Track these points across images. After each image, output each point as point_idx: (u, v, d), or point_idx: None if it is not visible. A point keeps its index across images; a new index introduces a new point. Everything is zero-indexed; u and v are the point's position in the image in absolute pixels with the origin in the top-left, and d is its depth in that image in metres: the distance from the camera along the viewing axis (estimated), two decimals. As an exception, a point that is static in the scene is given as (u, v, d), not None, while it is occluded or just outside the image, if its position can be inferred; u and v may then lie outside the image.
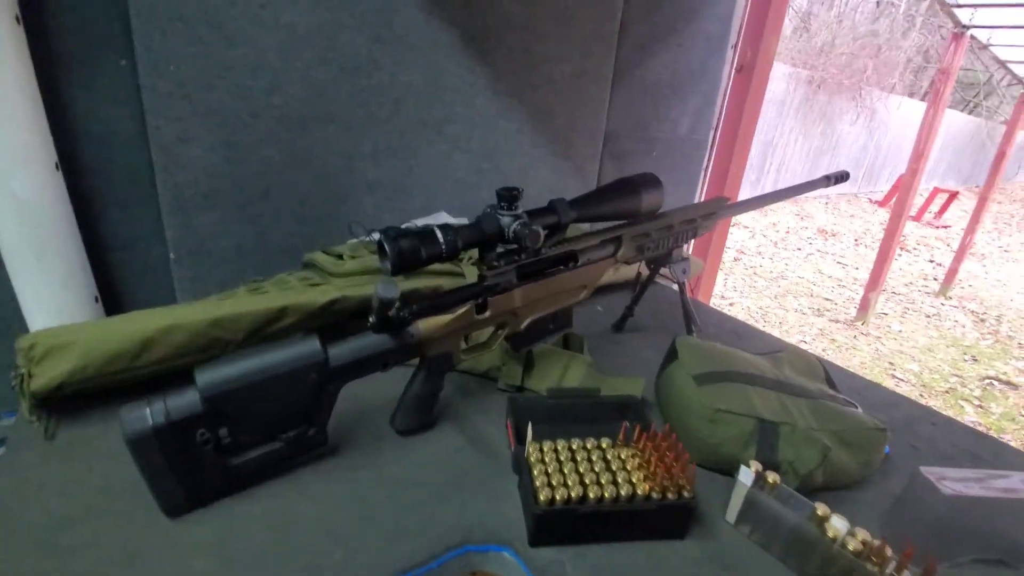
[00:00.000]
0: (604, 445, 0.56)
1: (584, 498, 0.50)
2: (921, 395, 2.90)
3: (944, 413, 0.79)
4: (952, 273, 4.51)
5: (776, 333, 3.55)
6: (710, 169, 1.86)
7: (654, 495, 0.50)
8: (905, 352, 3.42)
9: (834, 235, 5.75)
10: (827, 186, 0.95)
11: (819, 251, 5.25)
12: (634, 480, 0.51)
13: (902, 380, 3.05)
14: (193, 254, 1.04)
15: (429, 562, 0.48)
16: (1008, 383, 3.15)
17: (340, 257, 0.87)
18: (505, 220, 0.59)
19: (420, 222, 1.13)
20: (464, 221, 1.32)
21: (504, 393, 0.74)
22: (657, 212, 0.74)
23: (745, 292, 4.10)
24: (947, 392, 2.97)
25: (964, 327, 3.95)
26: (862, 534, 0.47)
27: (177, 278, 1.04)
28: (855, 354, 3.31)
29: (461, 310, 0.60)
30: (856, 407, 0.66)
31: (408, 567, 0.48)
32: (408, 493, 0.56)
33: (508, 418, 0.64)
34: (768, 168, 6.24)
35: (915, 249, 5.64)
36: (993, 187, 4.19)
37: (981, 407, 2.84)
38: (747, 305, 3.89)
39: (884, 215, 6.20)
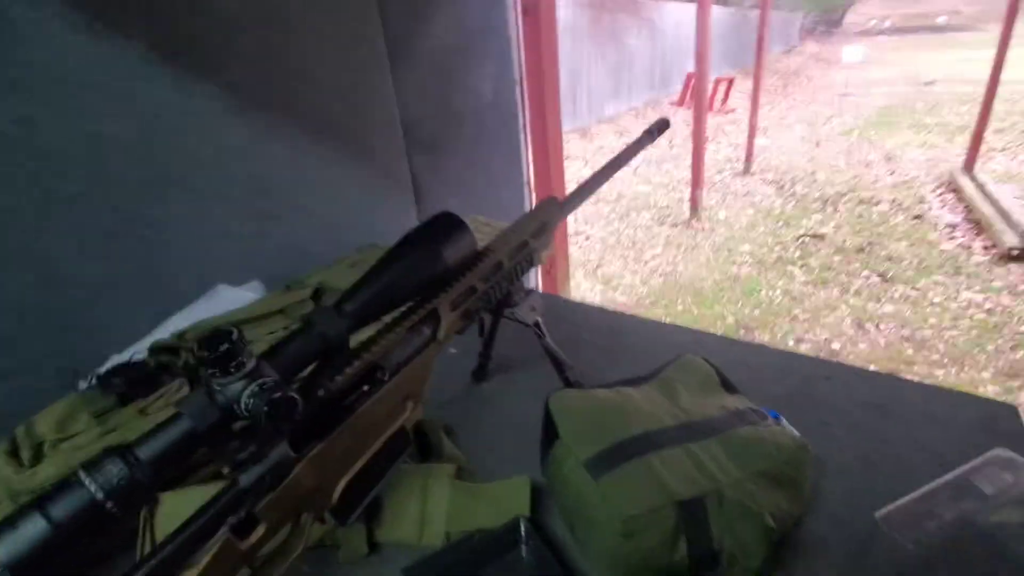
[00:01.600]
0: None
1: None
2: (759, 272, 3.22)
3: (785, 350, 0.74)
4: (749, 152, 5.07)
5: (631, 254, 3.72)
6: (528, 128, 1.72)
7: None
8: (736, 236, 3.79)
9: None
10: (652, 141, 0.84)
11: (644, 162, 5.58)
12: None
13: (742, 264, 3.36)
14: None
15: None
16: (815, 236, 3.64)
17: (38, 449, 0.55)
18: (232, 390, 0.35)
19: (177, 320, 0.81)
20: (255, 287, 1.03)
21: (352, 571, 0.52)
22: (473, 254, 0.54)
23: (594, 222, 4.22)
24: (776, 261, 3.34)
25: (771, 197, 4.48)
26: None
27: None
28: (700, 252, 3.58)
29: (207, 557, 0.36)
30: (767, 417, 0.56)
31: None
32: None
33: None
34: (578, 95, 6.41)
35: (715, 138, 6.26)
36: (763, 68, 4.72)
37: (804, 265, 3.24)
38: (600, 235, 4.00)
39: (685, 113, 6.76)
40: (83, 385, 0.68)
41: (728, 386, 0.62)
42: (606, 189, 4.94)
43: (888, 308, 2.62)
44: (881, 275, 2.96)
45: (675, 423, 0.53)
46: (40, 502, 0.29)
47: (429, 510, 0.54)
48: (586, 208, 4.49)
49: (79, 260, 0.83)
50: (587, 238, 3.99)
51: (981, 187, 3.85)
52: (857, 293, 2.79)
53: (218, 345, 0.34)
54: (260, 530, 0.38)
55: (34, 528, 0.28)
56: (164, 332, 0.81)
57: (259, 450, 0.38)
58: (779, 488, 0.49)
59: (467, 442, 0.66)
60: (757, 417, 0.56)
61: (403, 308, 0.49)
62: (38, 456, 0.55)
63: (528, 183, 1.74)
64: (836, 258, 3.26)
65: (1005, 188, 3.82)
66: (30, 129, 0.74)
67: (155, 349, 0.72)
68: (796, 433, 0.54)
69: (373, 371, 0.46)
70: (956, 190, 4.04)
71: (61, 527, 0.28)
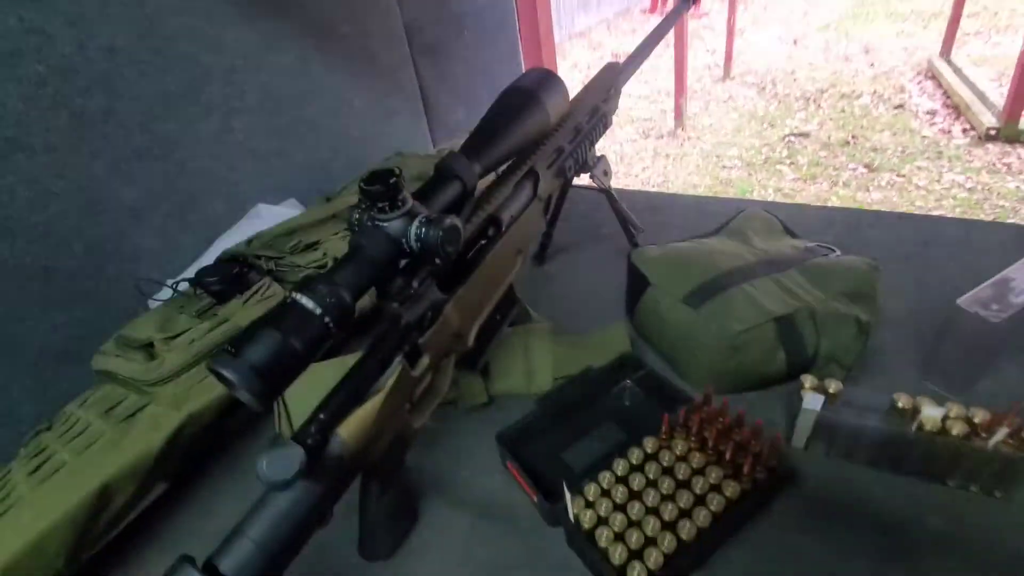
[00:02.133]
0: (650, 449, 0.44)
1: (680, 543, 0.37)
2: (749, 174, 3.26)
3: (823, 203, 0.79)
4: (728, 56, 4.96)
5: (621, 170, 3.71)
6: (520, 30, 1.65)
7: (744, 486, 0.40)
8: (723, 141, 3.78)
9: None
10: (688, 8, 0.84)
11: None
12: (713, 480, 0.40)
13: (731, 167, 3.38)
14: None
15: None
16: (801, 134, 3.66)
17: (149, 349, 0.57)
18: (394, 227, 0.37)
19: (226, 240, 0.81)
20: (292, 203, 1.02)
21: (475, 418, 0.57)
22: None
23: (579, 142, 4.15)
24: (765, 162, 3.37)
25: (753, 100, 4.44)
26: (956, 409, 0.41)
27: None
28: (689, 160, 3.58)
29: (390, 380, 0.39)
30: (834, 250, 0.60)
31: None
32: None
33: (508, 462, 0.48)
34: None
35: (691, 44, 6.06)
36: (738, -37, 4.51)
37: (792, 164, 3.29)
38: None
39: (657, 21, 6.49)
40: (161, 294, 0.69)
41: (791, 232, 0.66)
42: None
43: (876, 195, 2.70)
44: (867, 165, 3.02)
45: (756, 260, 0.57)
46: (269, 319, 0.31)
47: (534, 362, 0.58)
48: (569, 127, 4.40)
49: (114, 183, 0.81)
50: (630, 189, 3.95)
51: (958, 72, 3.86)
52: (846, 184, 2.85)
53: (386, 178, 0.35)
54: (425, 361, 0.42)
55: (271, 339, 0.30)
56: (216, 252, 0.81)
57: (417, 291, 0.41)
58: (857, 303, 0.54)
59: (541, 311, 0.69)
60: (826, 251, 0.60)
61: (505, 167, 0.50)
62: (151, 355, 0.57)
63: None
64: (823, 153, 3.30)
65: (981, 71, 3.83)
66: (47, 42, 0.70)
67: (224, 260, 0.73)
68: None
69: (489, 224, 0.48)
70: (934, 77, 4.05)
71: (291, 338, 0.31)
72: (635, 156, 3.77)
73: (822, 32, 5.92)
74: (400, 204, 0.37)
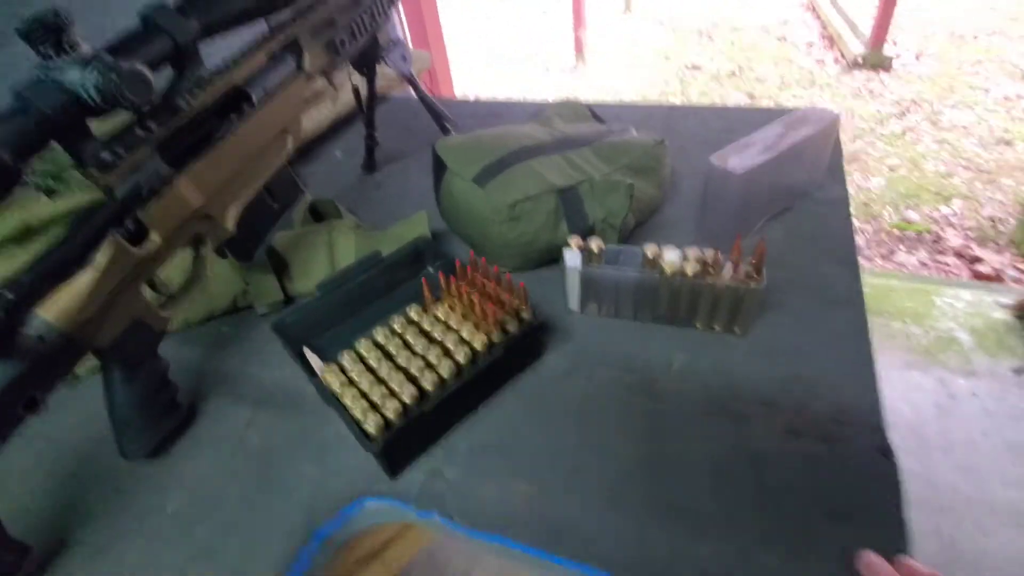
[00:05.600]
0: (414, 315, 0.43)
1: (422, 393, 0.38)
2: (645, 107, 3.32)
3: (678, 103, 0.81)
4: (629, -11, 4.92)
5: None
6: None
7: (494, 339, 0.41)
8: (621, 75, 3.81)
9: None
10: None
11: (522, 6, 5.27)
12: (465, 336, 0.40)
13: (627, 99, 3.43)
14: None
15: (278, 587, 0.34)
16: (694, 67, 3.76)
17: None
18: (70, 76, 0.32)
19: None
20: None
21: (272, 319, 0.54)
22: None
23: (485, 80, 4.05)
24: (659, 95, 3.45)
25: (652, 34, 4.48)
26: (693, 253, 0.44)
27: None
28: (587, 93, 3.59)
29: (103, 257, 0.35)
30: (631, 130, 0.61)
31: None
32: (203, 532, 0.38)
33: (287, 350, 0.46)
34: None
35: (596, -23, 5.96)
36: None
37: (683, 95, 3.38)
38: (493, 93, 3.87)
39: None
40: None
41: (597, 117, 0.67)
42: (490, 45, 4.65)
43: (755, 122, 2.85)
44: (749, 94, 3.17)
45: (551, 140, 0.57)
46: None
47: (337, 258, 0.56)
48: (473, 70, 4.27)
49: None
50: (475, 98, 3.84)
51: (835, 3, 4.08)
52: (729, 113, 2.99)
53: (42, 21, 0.30)
54: (152, 238, 0.38)
55: None
56: None
57: (126, 159, 0.36)
58: (641, 176, 0.56)
59: (365, 218, 0.67)
60: (622, 130, 0.61)
61: (261, 36, 0.46)
62: None
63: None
64: (712, 85, 3.41)
65: (856, 2, 4.07)
66: None
67: None
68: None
69: (237, 98, 0.44)
70: (814, 9, 4.25)
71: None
72: (538, 92, 3.72)
73: (719, -34, 5.98)
74: (69, 48, 0.32)
